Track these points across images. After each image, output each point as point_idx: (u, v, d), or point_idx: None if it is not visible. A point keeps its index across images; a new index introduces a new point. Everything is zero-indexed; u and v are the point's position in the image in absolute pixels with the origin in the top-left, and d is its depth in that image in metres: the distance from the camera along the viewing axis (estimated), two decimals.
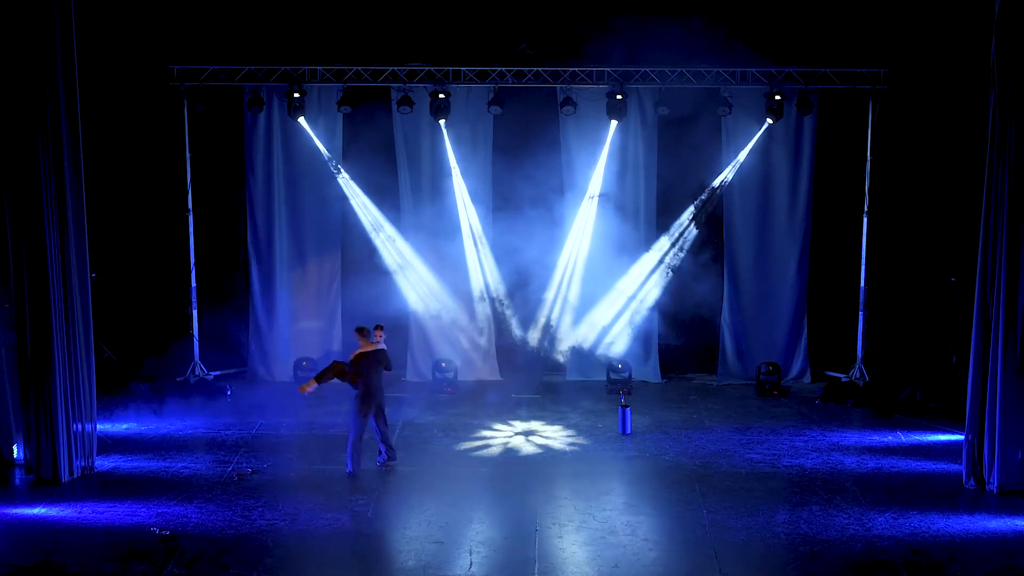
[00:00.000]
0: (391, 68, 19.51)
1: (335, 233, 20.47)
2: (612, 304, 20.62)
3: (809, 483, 14.71)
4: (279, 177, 20.23)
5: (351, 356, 15.24)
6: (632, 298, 20.52)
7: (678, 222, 20.34)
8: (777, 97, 19.27)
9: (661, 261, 20.40)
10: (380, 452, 15.34)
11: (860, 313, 20.26)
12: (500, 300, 20.71)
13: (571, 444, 16.65)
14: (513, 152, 19.81)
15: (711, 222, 20.34)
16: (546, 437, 16.99)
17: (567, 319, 20.75)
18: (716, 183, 20.12)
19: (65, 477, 14.51)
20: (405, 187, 20.33)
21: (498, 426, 17.60)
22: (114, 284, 19.84)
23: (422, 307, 20.59)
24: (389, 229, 20.46)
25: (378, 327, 15.51)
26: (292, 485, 14.53)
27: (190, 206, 20.14)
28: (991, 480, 14.30)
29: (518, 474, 15.14)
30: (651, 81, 19.51)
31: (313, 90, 19.73)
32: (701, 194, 20.21)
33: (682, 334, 20.84)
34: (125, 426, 17.28)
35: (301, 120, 19.57)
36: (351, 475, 14.87)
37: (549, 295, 20.70)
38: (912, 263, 20.03)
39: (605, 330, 20.72)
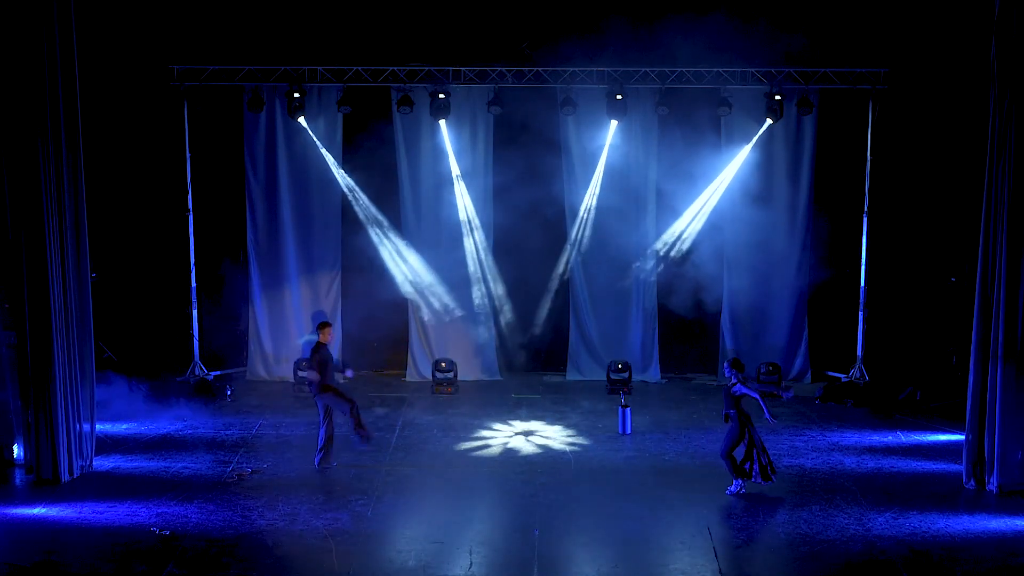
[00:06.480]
0: (391, 68, 19.51)
1: (335, 233, 20.48)
2: (613, 304, 20.64)
3: (809, 483, 14.71)
4: (279, 177, 20.24)
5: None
6: (634, 297, 20.52)
7: (678, 222, 20.35)
8: (777, 97, 19.29)
9: (662, 261, 20.41)
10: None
11: (860, 313, 20.27)
12: (500, 299, 20.71)
13: (571, 444, 16.65)
14: (513, 152, 19.82)
15: (711, 222, 20.32)
16: (546, 437, 16.99)
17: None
18: (716, 183, 20.12)
19: (65, 477, 14.50)
20: (405, 187, 20.33)
21: (498, 426, 17.60)
22: (114, 284, 19.84)
23: (422, 307, 20.60)
24: (389, 229, 20.46)
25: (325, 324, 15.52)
26: (292, 485, 14.52)
27: (190, 206, 20.16)
28: (991, 480, 14.30)
29: (518, 474, 15.13)
30: (651, 81, 19.51)
31: (313, 90, 19.74)
32: (701, 194, 20.21)
33: (682, 334, 20.85)
34: (125, 426, 17.27)
35: (301, 120, 19.58)
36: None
37: (549, 295, 20.72)
38: (912, 263, 20.04)
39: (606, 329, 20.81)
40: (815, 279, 20.36)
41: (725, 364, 14.39)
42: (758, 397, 13.98)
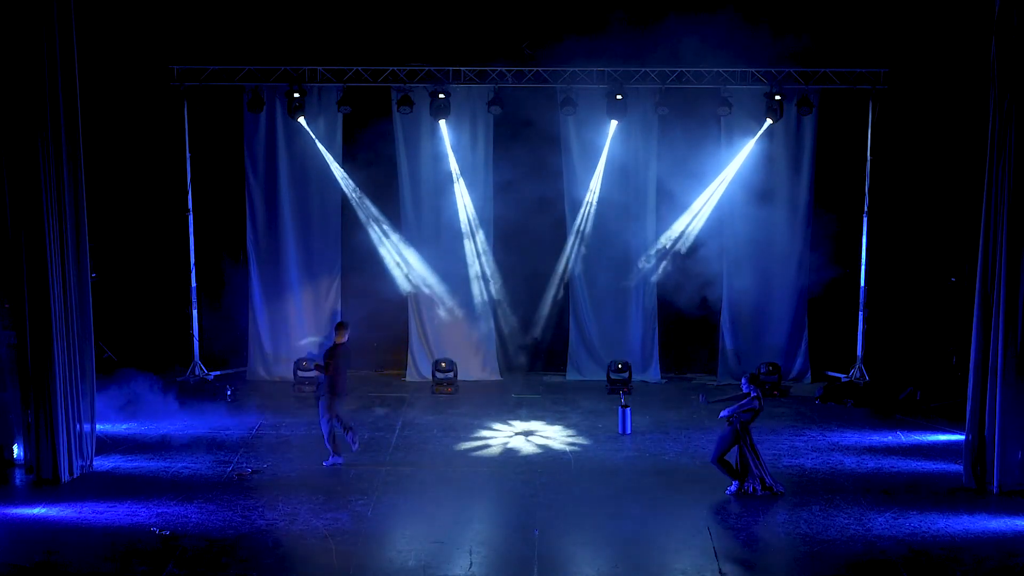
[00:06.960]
0: (391, 68, 19.51)
1: (335, 232, 20.47)
2: (613, 304, 20.63)
3: (809, 483, 14.72)
4: (279, 177, 20.23)
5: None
6: (634, 297, 20.52)
7: (678, 222, 20.35)
8: (777, 97, 19.27)
9: (662, 260, 20.40)
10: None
11: (860, 313, 20.27)
12: (500, 300, 20.71)
13: (571, 444, 16.65)
14: (513, 152, 19.81)
15: (711, 222, 20.31)
16: (546, 437, 16.99)
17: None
18: (716, 183, 20.11)
19: (65, 477, 14.51)
20: (405, 187, 20.33)
21: (498, 426, 17.60)
22: (114, 284, 19.84)
23: (422, 306, 20.58)
24: (389, 228, 20.46)
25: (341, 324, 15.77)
26: (292, 485, 14.54)
27: (190, 206, 20.15)
28: (991, 480, 14.31)
29: (518, 474, 15.14)
30: (651, 81, 19.50)
31: (313, 90, 19.73)
32: (701, 194, 20.20)
33: (682, 334, 20.84)
34: (125, 426, 17.28)
35: (301, 120, 19.57)
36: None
37: (549, 295, 20.72)
38: (912, 263, 20.04)
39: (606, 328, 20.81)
40: (815, 279, 20.34)
41: (744, 379, 14.38)
42: (733, 408, 14.09)
